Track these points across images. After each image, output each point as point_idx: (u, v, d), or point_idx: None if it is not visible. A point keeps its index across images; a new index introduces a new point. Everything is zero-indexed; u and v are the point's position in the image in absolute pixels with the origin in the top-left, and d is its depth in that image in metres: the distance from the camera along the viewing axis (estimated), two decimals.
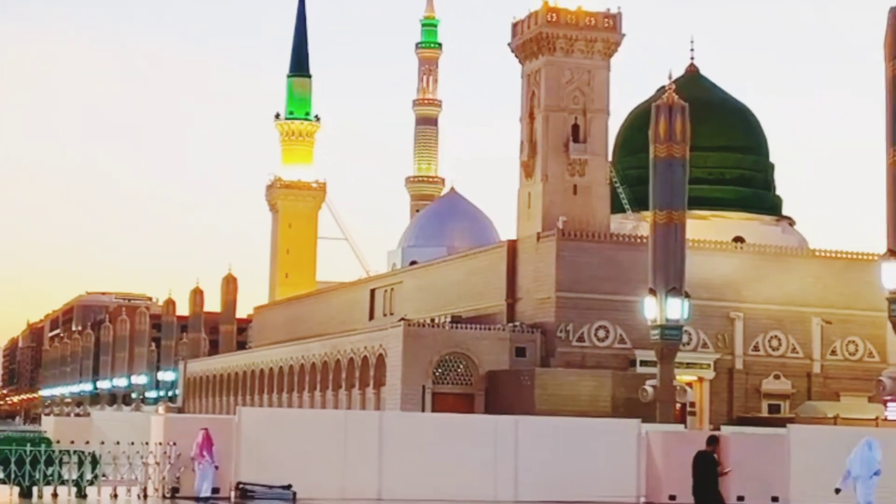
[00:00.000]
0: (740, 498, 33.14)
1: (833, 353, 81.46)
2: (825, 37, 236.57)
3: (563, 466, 32.86)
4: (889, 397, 60.97)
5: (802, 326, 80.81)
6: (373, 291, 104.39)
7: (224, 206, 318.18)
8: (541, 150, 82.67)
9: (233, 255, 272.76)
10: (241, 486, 30.71)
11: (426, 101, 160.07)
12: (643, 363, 74.97)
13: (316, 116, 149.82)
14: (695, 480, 22.14)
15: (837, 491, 24.52)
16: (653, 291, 68.69)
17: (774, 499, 33.09)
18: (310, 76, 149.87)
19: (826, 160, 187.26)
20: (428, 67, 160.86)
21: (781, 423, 48.86)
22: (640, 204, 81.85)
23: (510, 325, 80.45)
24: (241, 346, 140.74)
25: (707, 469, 22.08)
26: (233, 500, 30.57)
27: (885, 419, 61.18)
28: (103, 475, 31.51)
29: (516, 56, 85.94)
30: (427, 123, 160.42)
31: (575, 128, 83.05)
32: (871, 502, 24.25)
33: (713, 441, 22.64)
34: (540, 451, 32.98)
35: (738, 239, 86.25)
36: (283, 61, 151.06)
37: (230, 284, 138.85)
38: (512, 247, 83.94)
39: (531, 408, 68.21)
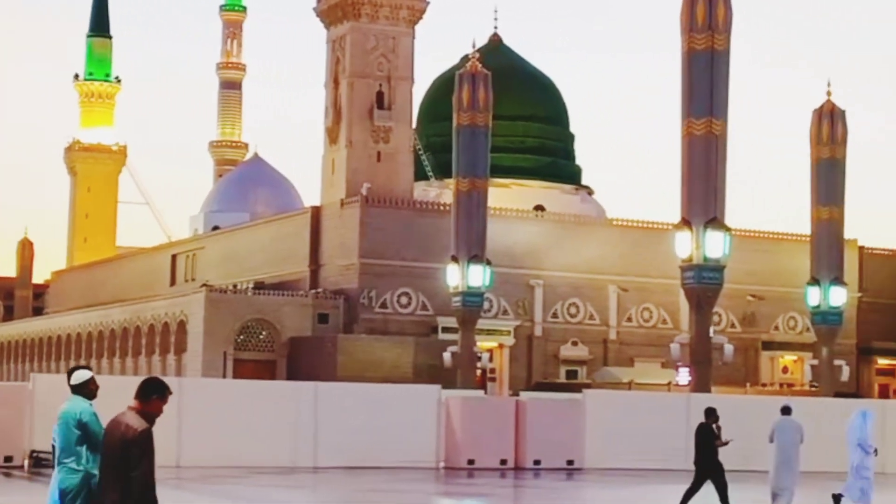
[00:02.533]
0: (536, 462, 33.84)
1: (628, 319, 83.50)
2: (626, 10, 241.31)
3: (362, 433, 32.97)
4: (680, 363, 62.82)
5: (599, 294, 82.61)
6: (174, 257, 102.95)
7: (21, 169, 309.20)
8: (345, 117, 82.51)
9: (30, 220, 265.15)
10: (34, 454, 30.07)
11: (230, 65, 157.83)
12: (445, 330, 75.73)
13: (116, 78, 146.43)
14: (696, 451, 22.77)
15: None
16: (455, 259, 69.53)
17: (570, 462, 33.85)
18: (110, 37, 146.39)
19: (624, 131, 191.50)
20: (232, 30, 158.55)
21: (578, 388, 49.92)
22: (443, 171, 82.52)
23: (313, 291, 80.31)
24: (38, 311, 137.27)
25: (707, 440, 22.65)
26: (26, 468, 29.91)
27: (677, 384, 63.07)
28: None
29: (322, 21, 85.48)
30: (231, 87, 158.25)
31: (379, 95, 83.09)
32: (859, 467, 24.96)
33: (712, 413, 22.98)
34: (340, 417, 33.03)
35: (539, 207, 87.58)
36: (84, 21, 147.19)
37: (26, 249, 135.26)
38: (315, 213, 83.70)
39: (333, 374, 68.25)
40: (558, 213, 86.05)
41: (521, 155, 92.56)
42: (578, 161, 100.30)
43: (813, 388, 71.84)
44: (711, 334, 60.87)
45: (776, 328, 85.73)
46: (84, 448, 11.20)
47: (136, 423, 9.93)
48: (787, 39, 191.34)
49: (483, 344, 74.98)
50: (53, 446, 11.68)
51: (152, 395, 10.10)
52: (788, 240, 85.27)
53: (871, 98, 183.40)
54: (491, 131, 71.27)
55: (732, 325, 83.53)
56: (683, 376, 62.18)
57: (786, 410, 23.84)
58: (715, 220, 59.22)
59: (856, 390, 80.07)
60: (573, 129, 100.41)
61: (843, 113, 71.02)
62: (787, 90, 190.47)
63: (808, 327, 77.41)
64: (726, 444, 22.48)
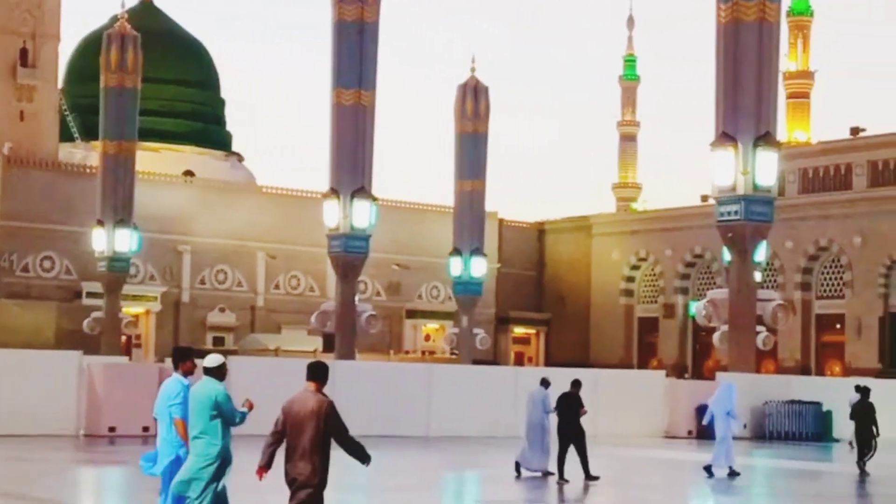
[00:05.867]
0: (111, 429, 33.47)
1: (276, 287, 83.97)
2: None
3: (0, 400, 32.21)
4: (325, 330, 63.81)
5: (248, 260, 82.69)
6: None
7: None
8: None
9: None
10: None
11: None
12: (90, 295, 74.10)
13: None
14: (560, 419, 24.34)
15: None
16: (101, 222, 68.24)
17: (146, 429, 33.39)
18: None
19: (275, 98, 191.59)
20: None
21: (224, 355, 50.03)
22: (91, 134, 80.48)
23: None
24: None
25: (571, 409, 24.25)
26: None
27: (322, 351, 64.04)
28: None
29: None
30: None
31: (23, 52, 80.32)
32: (726, 436, 26.46)
33: (577, 384, 24.70)
34: None
35: (189, 173, 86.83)
36: None
37: None
38: None
39: None
40: (208, 178, 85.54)
41: (172, 119, 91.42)
42: (229, 128, 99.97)
43: (453, 356, 74.41)
44: (357, 302, 62.11)
45: (420, 297, 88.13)
46: (219, 423, 12.70)
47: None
48: (436, 13, 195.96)
49: (129, 310, 73.93)
50: (155, 419, 13.65)
51: None
52: (433, 211, 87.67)
53: (514, 74, 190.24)
54: (140, 94, 70.25)
55: (378, 294, 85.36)
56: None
57: (543, 383, 25.53)
58: (362, 190, 60.38)
59: (493, 358, 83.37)
60: (224, 94, 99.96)
61: (486, 89, 73.55)
62: (434, 64, 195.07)
63: (450, 296, 79.96)
64: (585, 412, 24.39)
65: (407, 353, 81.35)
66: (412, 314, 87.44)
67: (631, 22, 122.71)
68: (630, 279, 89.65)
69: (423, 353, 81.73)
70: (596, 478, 24.29)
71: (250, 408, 13.10)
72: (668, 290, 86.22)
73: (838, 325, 76.91)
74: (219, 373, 13.03)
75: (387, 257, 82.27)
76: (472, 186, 72.78)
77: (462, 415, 37.46)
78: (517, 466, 25.33)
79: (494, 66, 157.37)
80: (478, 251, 73.16)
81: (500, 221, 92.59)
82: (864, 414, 28.20)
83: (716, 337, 50.46)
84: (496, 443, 34.95)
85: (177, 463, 13.39)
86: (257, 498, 16.87)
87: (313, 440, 11.64)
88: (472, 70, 74.02)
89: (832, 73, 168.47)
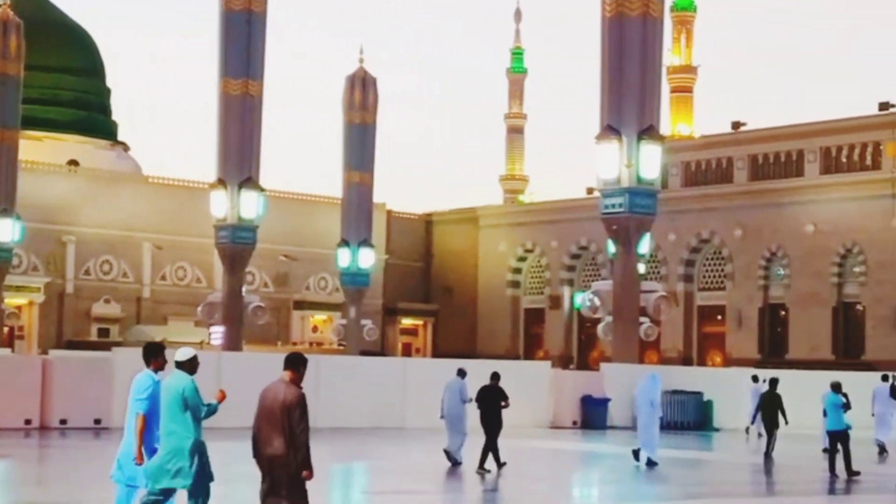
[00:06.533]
0: (63, 421, 33.53)
1: (163, 278, 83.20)
2: None
3: None
4: (212, 321, 63.52)
5: (134, 251, 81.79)
6: None
7: None
8: None
9: None
10: None
11: None
12: None
13: None
14: (481, 411, 24.99)
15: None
16: None
17: (97, 421, 33.76)
18: None
19: (163, 88, 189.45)
20: None
21: (110, 346, 49.51)
22: None
23: None
24: None
25: (492, 401, 24.84)
26: None
27: (209, 343, 63.76)
28: None
29: None
30: None
31: None
32: (649, 424, 26.93)
33: (496, 376, 25.22)
34: None
35: (73, 162, 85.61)
36: None
37: None
38: None
39: None
40: (93, 168, 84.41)
41: (56, 108, 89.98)
42: (115, 117, 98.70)
43: (341, 347, 74.50)
44: (244, 293, 61.92)
45: (307, 288, 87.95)
46: (191, 417, 12.98)
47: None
48: (325, 4, 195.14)
49: (11, 301, 72.78)
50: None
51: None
52: (321, 202, 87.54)
53: (402, 66, 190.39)
54: (23, 82, 69.22)
55: (266, 285, 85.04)
56: (216, 335, 62.98)
57: (460, 373, 26.04)
58: (250, 181, 60.21)
59: (381, 349, 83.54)
60: (110, 83, 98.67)
61: (374, 80, 73.67)
62: (323, 55, 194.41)
63: (338, 288, 79.94)
64: (508, 405, 25.00)
65: (295, 344, 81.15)
66: (300, 305, 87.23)
67: (518, 14, 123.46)
68: (517, 271, 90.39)
69: (311, 344, 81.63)
70: (503, 463, 25.13)
71: (222, 398, 13.26)
72: (553, 281, 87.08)
73: (719, 317, 78.36)
74: (190, 366, 13.30)
75: (274, 248, 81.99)
76: (360, 178, 72.88)
77: (349, 406, 37.58)
78: (448, 456, 25.77)
79: (383, 57, 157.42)
80: (366, 242, 73.30)
81: (388, 213, 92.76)
82: (772, 404, 29.05)
83: (600, 328, 51.22)
84: (384, 434, 35.17)
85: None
86: (226, 489, 16.86)
87: (283, 429, 12.02)
88: (361, 61, 74.10)
89: (714, 69, 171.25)
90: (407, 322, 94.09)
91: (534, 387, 41.33)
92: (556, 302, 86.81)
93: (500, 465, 24.98)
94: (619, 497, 22.89)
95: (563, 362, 75.79)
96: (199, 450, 13.01)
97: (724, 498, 23.22)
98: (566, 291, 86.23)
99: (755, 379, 39.63)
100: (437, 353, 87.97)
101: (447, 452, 25.78)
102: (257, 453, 12.19)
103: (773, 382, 29.69)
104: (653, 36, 47.97)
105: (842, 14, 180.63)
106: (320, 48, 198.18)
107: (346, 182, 73.22)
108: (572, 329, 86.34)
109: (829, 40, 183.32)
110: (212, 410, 13.17)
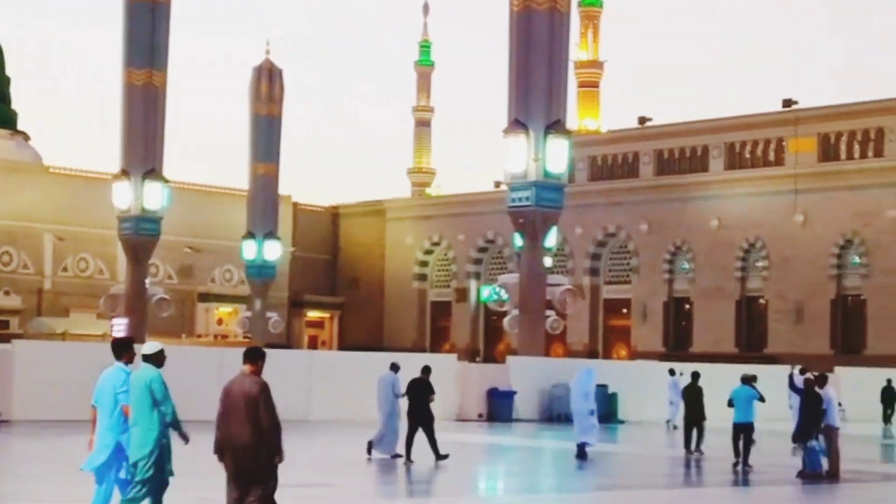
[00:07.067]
0: None
1: (65, 269, 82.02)
2: None
3: None
4: (115, 313, 62.73)
5: (34, 242, 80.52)
6: None
7: None
8: None
9: None
10: None
11: None
12: None
13: None
14: (410, 403, 25.35)
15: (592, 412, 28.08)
16: None
17: None
18: None
19: (66, 78, 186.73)
20: None
21: (9, 339, 48.61)
22: None
23: None
24: None
25: (421, 394, 25.28)
26: None
27: (112, 335, 62.91)
28: None
29: None
30: None
31: None
32: (582, 412, 27.87)
33: (427, 370, 25.78)
34: None
35: None
36: None
37: None
38: None
39: None
40: None
41: None
42: (15, 106, 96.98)
43: (246, 339, 73.94)
44: (147, 285, 61.19)
45: (213, 280, 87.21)
46: (157, 410, 13.32)
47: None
48: None
49: None
50: (94, 407, 13.81)
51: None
52: (227, 194, 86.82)
53: (309, 58, 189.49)
54: None
55: (170, 277, 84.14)
56: (118, 327, 62.16)
57: (393, 367, 26.34)
58: (154, 172, 59.58)
59: (287, 341, 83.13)
60: (10, 72, 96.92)
61: (280, 72, 73.24)
62: (229, 46, 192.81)
63: (244, 280, 79.36)
64: (433, 398, 25.47)
65: (199, 336, 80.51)
66: (205, 297, 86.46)
67: (426, 8, 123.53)
68: (423, 263, 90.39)
69: (216, 336, 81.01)
70: (445, 456, 25.23)
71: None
72: (460, 274, 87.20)
73: (625, 310, 79.00)
74: (157, 359, 13.67)
75: (179, 240, 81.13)
76: (265, 170, 72.43)
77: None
78: (369, 447, 25.83)
79: (290, 49, 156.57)
80: (271, 235, 72.88)
81: (295, 205, 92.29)
82: (694, 397, 29.16)
83: (506, 321, 51.34)
84: (288, 427, 34.77)
85: (118, 450, 13.59)
86: (198, 482, 16.52)
87: (250, 420, 12.37)
88: (267, 52, 73.69)
89: (621, 64, 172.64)
90: (313, 315, 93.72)
91: (440, 380, 41.20)
92: (462, 295, 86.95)
93: (439, 457, 25.12)
94: (524, 489, 22.90)
95: (469, 355, 75.90)
96: (159, 448, 13.31)
97: (634, 490, 23.32)
98: (473, 284, 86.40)
99: (672, 372, 39.91)
100: (344, 345, 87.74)
101: (370, 444, 25.94)
102: (223, 452, 12.48)
103: (696, 376, 29.79)
104: (560, 30, 48.15)
105: (747, 11, 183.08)
106: (227, 39, 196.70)
107: (253, 174, 72.75)
108: (479, 322, 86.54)
109: (734, 37, 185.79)
110: (171, 412, 13.52)
